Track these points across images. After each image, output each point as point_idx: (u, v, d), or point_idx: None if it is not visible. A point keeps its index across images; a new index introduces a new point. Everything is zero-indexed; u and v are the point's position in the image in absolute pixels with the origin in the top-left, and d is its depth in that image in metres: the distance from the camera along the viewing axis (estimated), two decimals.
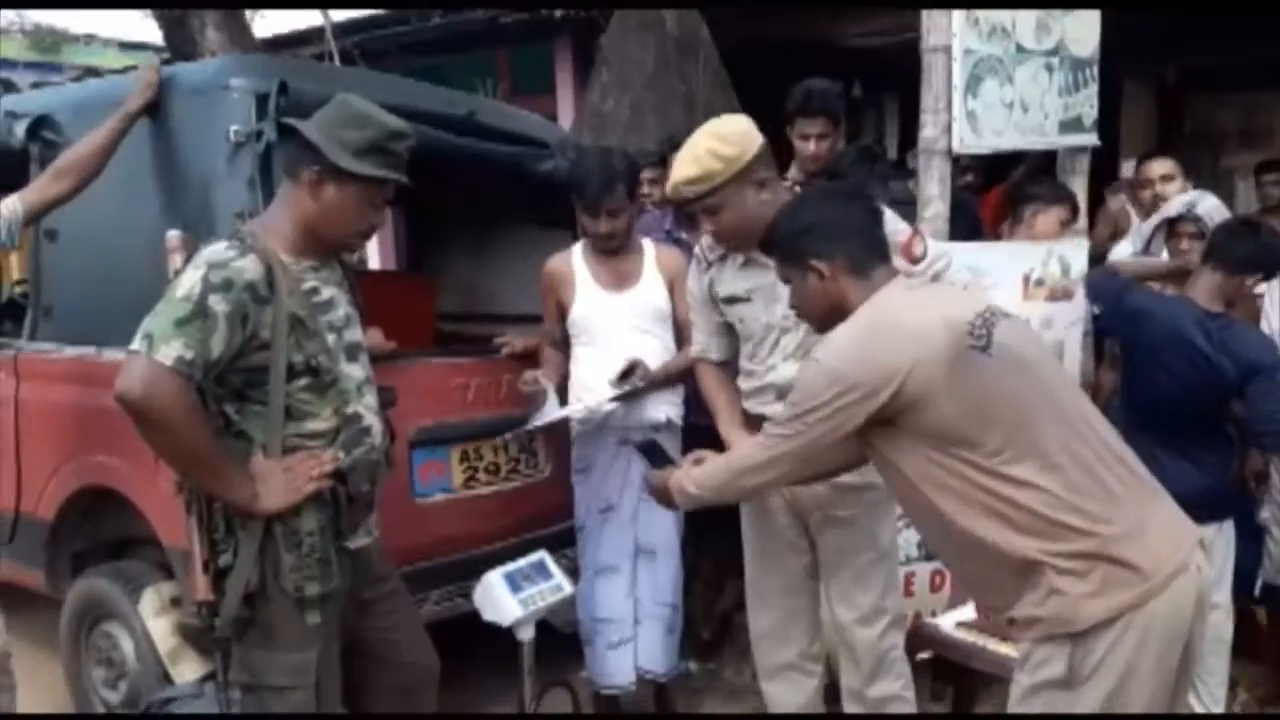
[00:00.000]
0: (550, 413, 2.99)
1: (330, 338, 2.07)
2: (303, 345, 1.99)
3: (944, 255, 2.56)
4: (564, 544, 3.15)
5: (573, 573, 3.02)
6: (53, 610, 3.22)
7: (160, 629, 2.87)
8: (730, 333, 2.61)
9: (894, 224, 2.38)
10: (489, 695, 3.24)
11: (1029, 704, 1.80)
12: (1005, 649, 2.65)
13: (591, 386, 2.99)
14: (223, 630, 2.00)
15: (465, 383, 3.14)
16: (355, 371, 2.14)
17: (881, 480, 2.38)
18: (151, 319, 1.87)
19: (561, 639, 3.15)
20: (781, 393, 2.49)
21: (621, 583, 3.05)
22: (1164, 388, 2.83)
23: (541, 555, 2.87)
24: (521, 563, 2.81)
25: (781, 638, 2.65)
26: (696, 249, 2.64)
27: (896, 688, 2.58)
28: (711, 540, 3.58)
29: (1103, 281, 3.11)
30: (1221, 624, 2.97)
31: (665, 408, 3.02)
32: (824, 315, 1.97)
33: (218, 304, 1.87)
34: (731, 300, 2.54)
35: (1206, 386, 2.77)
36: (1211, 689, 3.01)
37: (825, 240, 1.94)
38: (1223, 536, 2.91)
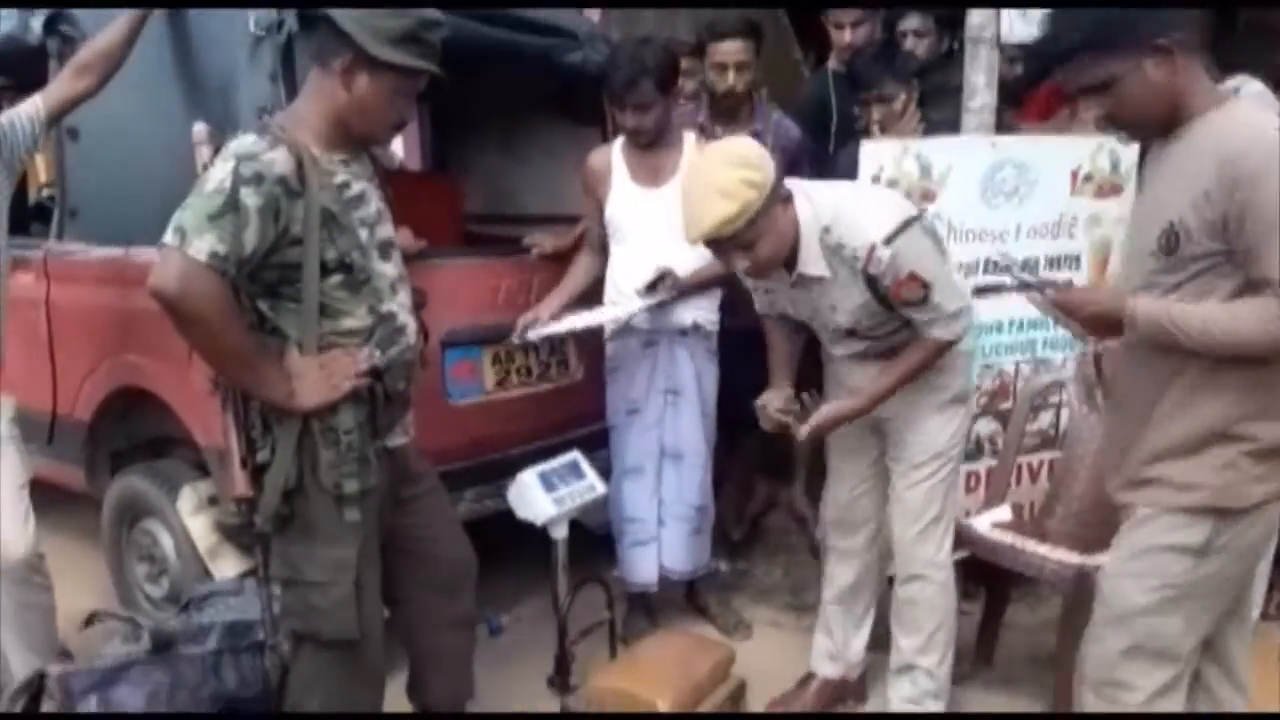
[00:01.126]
0: (546, 325, 2.94)
1: (363, 234, 2.02)
2: (335, 241, 1.95)
3: (961, 309, 2.33)
4: (597, 446, 3.14)
5: (605, 473, 3.03)
6: (95, 507, 3.27)
7: (198, 526, 2.91)
8: None
9: (911, 247, 2.23)
10: (523, 592, 3.29)
11: (1145, 560, 1.83)
12: (1040, 549, 2.66)
13: (623, 288, 2.95)
14: (262, 526, 2.00)
15: (495, 284, 3.10)
16: (388, 269, 2.10)
17: (955, 384, 2.40)
18: (182, 212, 1.83)
19: (595, 539, 3.19)
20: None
21: (646, 484, 3.06)
22: None
23: (575, 456, 2.89)
24: (555, 463, 2.83)
25: (848, 528, 2.68)
26: None
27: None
28: (742, 443, 3.59)
29: None
30: None
31: (694, 312, 2.96)
32: (1153, 116, 1.70)
33: (249, 198, 1.83)
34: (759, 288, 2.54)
35: None
36: (1253, 590, 3.00)
37: (1164, 13, 1.63)
38: None
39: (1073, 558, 2.60)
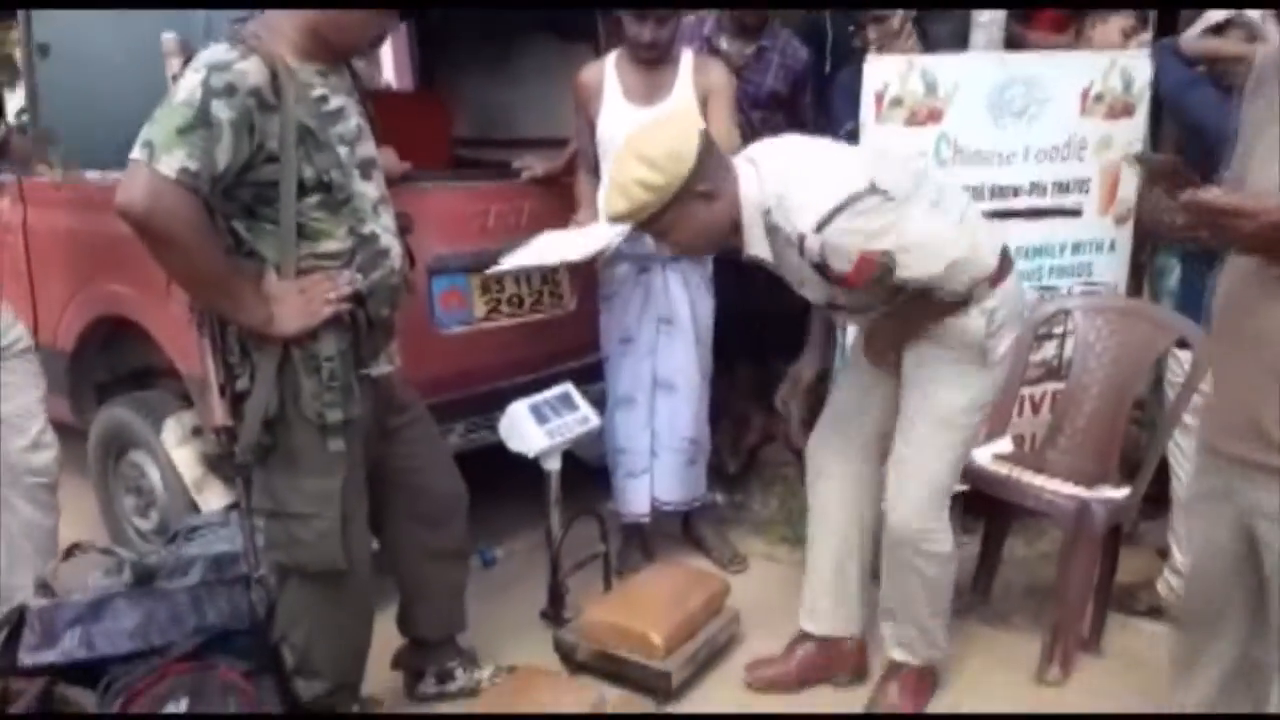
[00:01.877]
0: (520, 255, 2.81)
1: (342, 151, 1.92)
2: (313, 158, 1.86)
3: (956, 261, 2.05)
4: (591, 378, 3.08)
5: (600, 405, 2.97)
6: (82, 438, 3.20)
7: (183, 458, 2.86)
8: None
9: (854, 228, 1.97)
10: (518, 524, 3.26)
11: None
12: (1042, 481, 2.62)
13: None
14: (243, 456, 1.94)
15: (484, 209, 3.01)
16: (369, 190, 2.00)
17: (969, 338, 2.17)
18: (151, 126, 1.73)
19: (591, 471, 3.14)
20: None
21: (639, 414, 3.00)
22: None
23: (567, 387, 2.83)
24: (547, 394, 2.78)
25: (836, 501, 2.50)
26: None
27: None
28: (740, 375, 3.53)
29: (1166, 64, 2.86)
30: None
31: None
32: None
33: (221, 110, 1.73)
34: None
35: None
36: None
37: None
38: None
39: (1074, 490, 2.56)
